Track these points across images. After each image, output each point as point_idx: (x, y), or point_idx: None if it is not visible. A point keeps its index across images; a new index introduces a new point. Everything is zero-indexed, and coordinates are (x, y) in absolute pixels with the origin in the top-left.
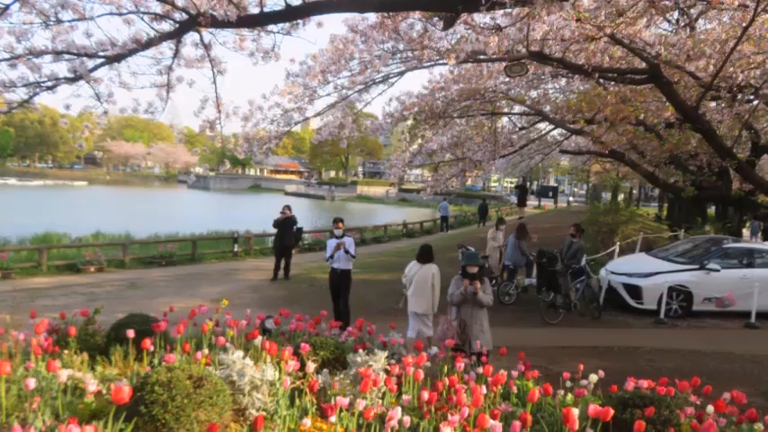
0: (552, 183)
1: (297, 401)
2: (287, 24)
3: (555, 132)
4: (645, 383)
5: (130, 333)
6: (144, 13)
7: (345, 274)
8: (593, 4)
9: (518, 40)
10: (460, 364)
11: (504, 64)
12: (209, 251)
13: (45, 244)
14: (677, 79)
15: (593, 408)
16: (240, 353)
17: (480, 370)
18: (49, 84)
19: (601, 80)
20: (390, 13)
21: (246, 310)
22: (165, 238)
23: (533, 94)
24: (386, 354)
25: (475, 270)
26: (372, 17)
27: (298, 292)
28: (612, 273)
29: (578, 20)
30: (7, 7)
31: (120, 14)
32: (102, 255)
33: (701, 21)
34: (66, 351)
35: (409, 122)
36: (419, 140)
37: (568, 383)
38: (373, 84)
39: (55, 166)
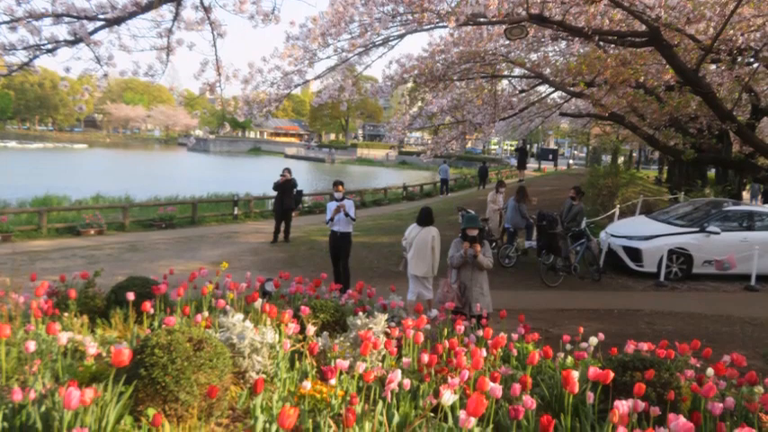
0: (552, 145)
1: (297, 364)
2: None
3: (555, 95)
4: (645, 346)
5: (130, 296)
6: None
7: (345, 237)
8: None
9: (518, 2)
10: (460, 327)
11: (504, 27)
12: (209, 214)
13: (45, 207)
14: (677, 42)
15: (594, 370)
16: (240, 315)
17: (480, 333)
18: (50, 46)
19: (601, 43)
20: None
21: (246, 272)
22: (164, 200)
23: (533, 56)
24: (386, 316)
25: (475, 233)
26: None
27: (298, 254)
28: (612, 235)
29: None
30: None
31: None
32: (102, 217)
33: None
34: (66, 314)
35: (409, 85)
36: (419, 103)
37: (568, 346)
38: (373, 46)
39: (55, 129)
